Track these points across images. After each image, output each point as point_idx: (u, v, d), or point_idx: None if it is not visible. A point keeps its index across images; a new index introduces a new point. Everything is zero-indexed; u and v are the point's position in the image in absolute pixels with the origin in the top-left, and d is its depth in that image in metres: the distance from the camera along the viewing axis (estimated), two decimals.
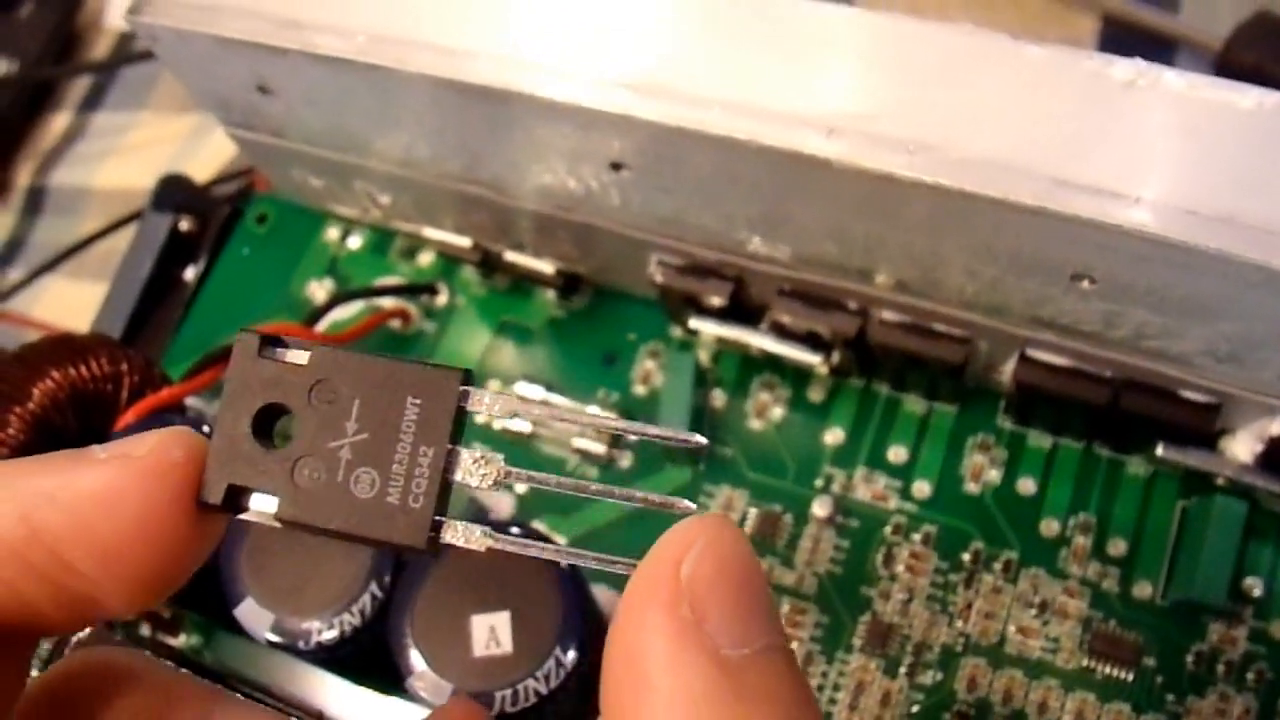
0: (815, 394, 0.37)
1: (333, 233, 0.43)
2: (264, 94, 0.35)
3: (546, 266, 0.37)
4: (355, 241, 0.42)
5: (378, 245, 0.42)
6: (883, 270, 0.31)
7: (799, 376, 0.37)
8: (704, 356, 0.38)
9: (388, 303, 0.40)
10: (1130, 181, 0.26)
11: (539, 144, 0.32)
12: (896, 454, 0.36)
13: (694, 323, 0.36)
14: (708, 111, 0.28)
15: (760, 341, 0.35)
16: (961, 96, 0.27)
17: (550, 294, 0.40)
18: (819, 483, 0.36)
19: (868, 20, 0.29)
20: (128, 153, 0.59)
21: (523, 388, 0.38)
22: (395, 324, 0.40)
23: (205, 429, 0.34)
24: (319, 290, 0.42)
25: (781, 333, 0.35)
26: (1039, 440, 0.36)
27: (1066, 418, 0.35)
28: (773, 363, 0.37)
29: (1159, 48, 0.48)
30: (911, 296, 0.32)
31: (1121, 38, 0.49)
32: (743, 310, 0.35)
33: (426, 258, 0.41)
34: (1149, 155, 0.26)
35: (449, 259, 0.40)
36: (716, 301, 0.34)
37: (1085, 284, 0.28)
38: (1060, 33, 0.50)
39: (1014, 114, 0.27)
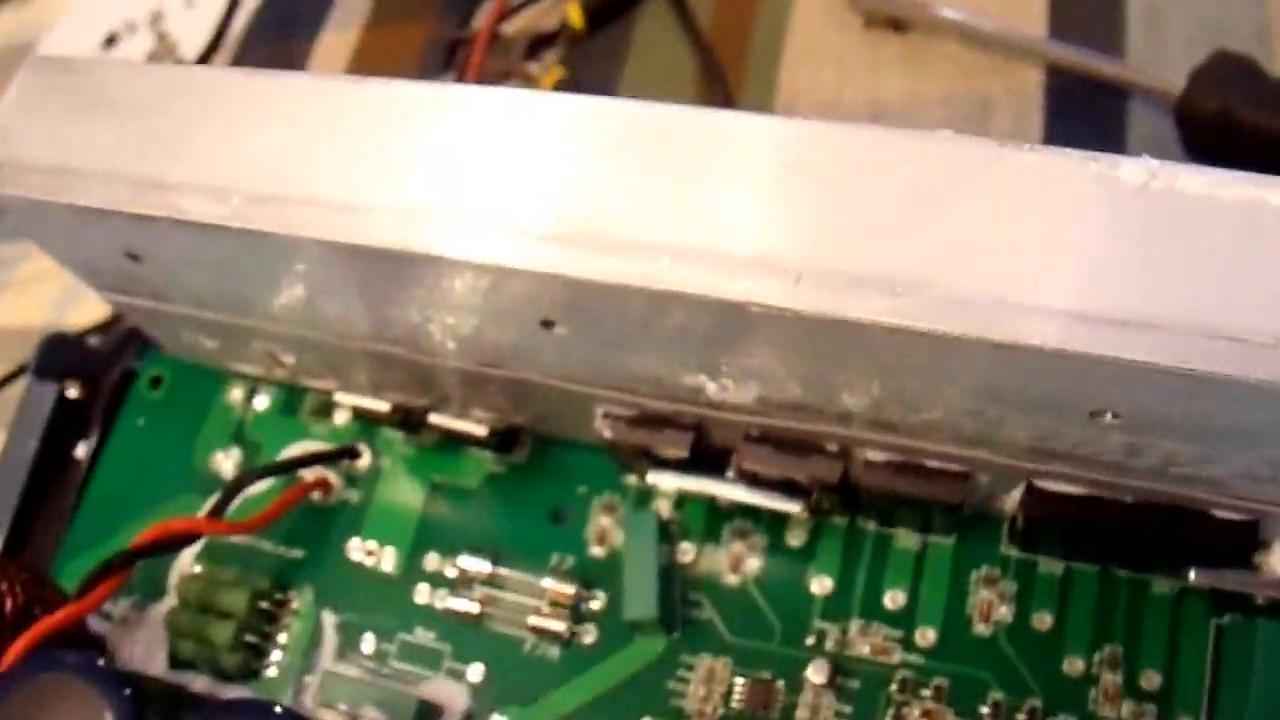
0: (795, 538, 0.32)
1: (236, 393, 0.37)
2: (135, 261, 0.30)
3: (477, 428, 0.32)
4: (262, 402, 0.37)
5: (287, 404, 0.37)
6: (864, 414, 0.27)
7: (775, 520, 0.32)
8: (665, 506, 0.33)
9: (307, 472, 0.35)
10: (1158, 308, 0.22)
11: (457, 305, 0.27)
12: (894, 599, 0.31)
13: (651, 476, 0.31)
14: (651, 263, 0.23)
15: (729, 492, 0.30)
16: (947, 221, 0.23)
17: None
18: (810, 641, 0.31)
19: (824, 134, 0.24)
20: (19, 288, 0.54)
21: (466, 561, 0.33)
22: (316, 496, 0.35)
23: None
24: (225, 461, 0.36)
25: (753, 480, 0.30)
26: (1050, 566, 0.31)
27: (1080, 542, 0.30)
28: (745, 507, 0.32)
29: (1111, 97, 0.44)
30: (900, 436, 0.27)
31: (1070, 89, 0.45)
32: (706, 458, 0.30)
33: (343, 415, 0.36)
34: (1176, 274, 0.22)
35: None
36: (675, 453, 0.30)
37: (1107, 418, 0.24)
38: (1004, 86, 0.46)
39: (1011, 236, 0.23)
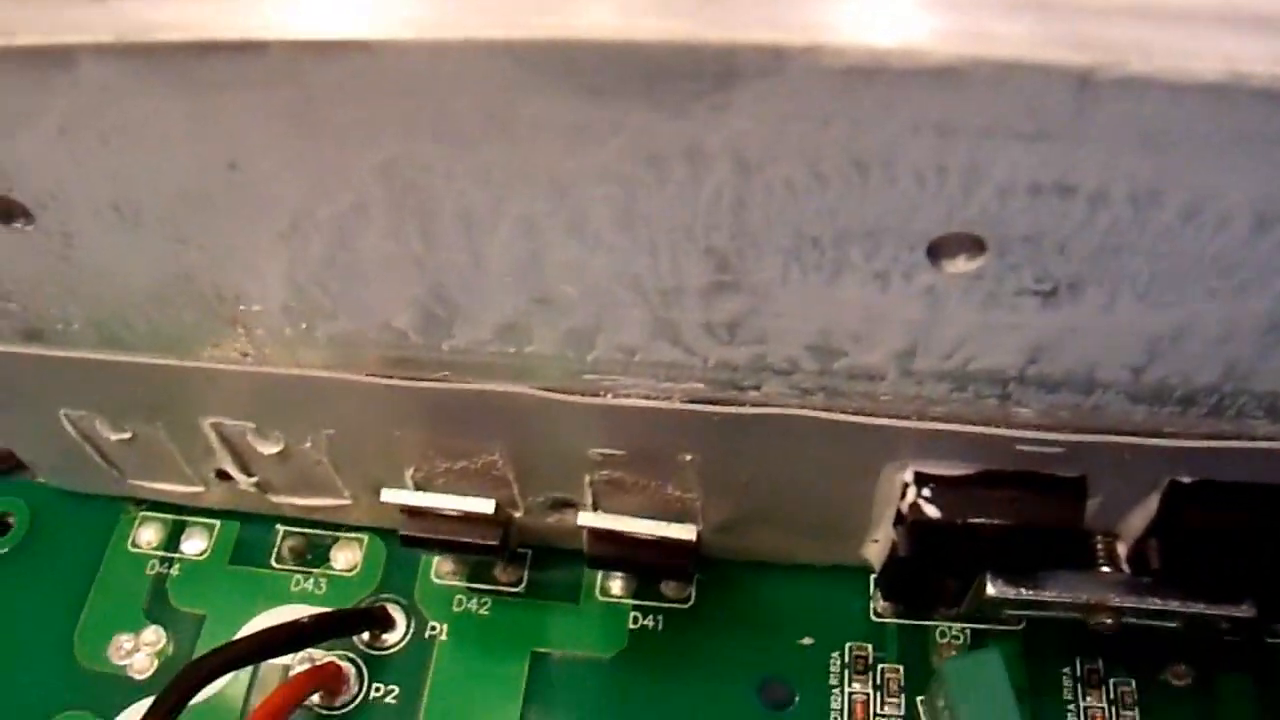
0: (1177, 676, 0.18)
1: (148, 534, 0.20)
2: (9, 221, 0.14)
3: (681, 530, 0.17)
4: (196, 545, 0.20)
5: (243, 547, 0.20)
6: None
7: (1136, 654, 0.18)
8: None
9: (297, 658, 0.18)
10: None
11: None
12: None
13: (996, 589, 0.16)
14: None
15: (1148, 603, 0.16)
16: None
17: (621, 582, 0.19)
18: None
19: None
20: None
21: None
22: (316, 700, 0.18)
23: None
24: (136, 651, 0.19)
25: (1180, 569, 0.16)
26: None
27: None
28: (1111, 640, 0.17)
29: None
30: None
31: None
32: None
33: (348, 556, 0.19)
34: None
35: (406, 544, 0.18)
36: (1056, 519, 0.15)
37: None
38: None
39: None
